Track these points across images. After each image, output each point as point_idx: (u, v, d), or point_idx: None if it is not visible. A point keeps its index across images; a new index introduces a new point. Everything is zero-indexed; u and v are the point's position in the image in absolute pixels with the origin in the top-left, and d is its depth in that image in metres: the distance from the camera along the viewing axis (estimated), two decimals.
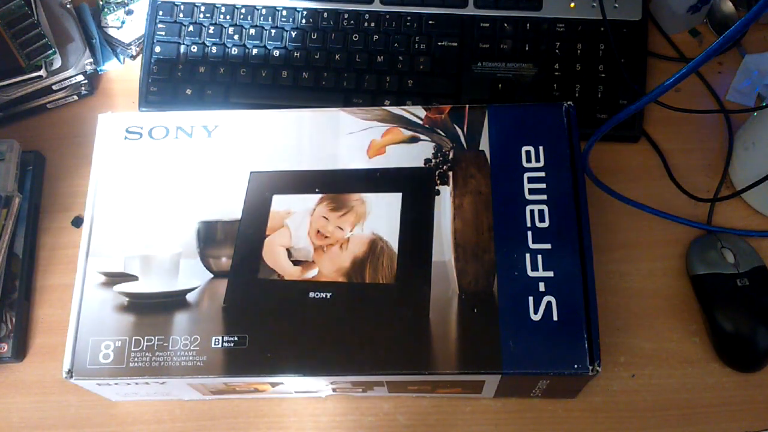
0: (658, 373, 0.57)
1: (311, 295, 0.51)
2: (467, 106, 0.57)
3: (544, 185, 0.53)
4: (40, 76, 0.65)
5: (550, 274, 0.51)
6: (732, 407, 0.56)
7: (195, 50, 0.68)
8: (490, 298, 0.50)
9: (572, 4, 0.68)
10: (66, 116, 0.70)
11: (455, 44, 0.67)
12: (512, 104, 0.57)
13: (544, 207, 0.52)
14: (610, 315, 0.59)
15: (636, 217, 0.62)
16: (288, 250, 0.53)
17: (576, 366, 0.48)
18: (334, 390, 0.55)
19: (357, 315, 0.50)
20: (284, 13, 0.69)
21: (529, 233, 0.52)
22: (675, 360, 0.58)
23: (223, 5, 0.69)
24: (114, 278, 0.53)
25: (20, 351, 0.60)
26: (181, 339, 0.50)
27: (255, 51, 0.68)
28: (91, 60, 0.68)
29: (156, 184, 0.55)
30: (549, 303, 0.50)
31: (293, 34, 0.68)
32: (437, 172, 0.55)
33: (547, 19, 0.67)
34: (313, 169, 0.55)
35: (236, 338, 0.50)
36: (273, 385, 0.53)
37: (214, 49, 0.68)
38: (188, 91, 0.67)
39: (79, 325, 0.51)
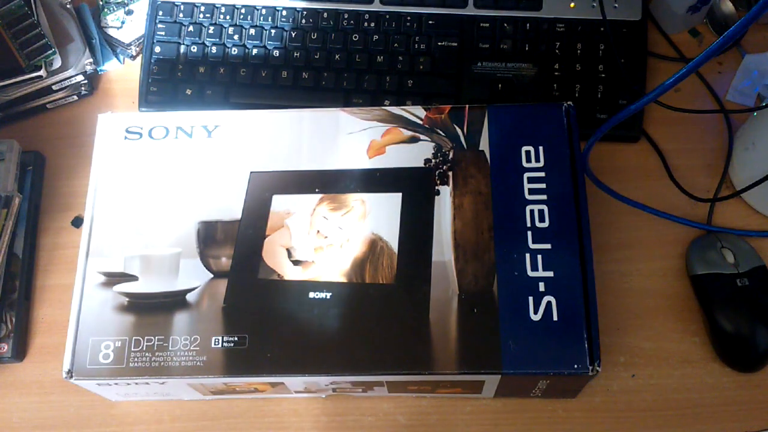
0: (658, 373, 0.57)
1: (311, 295, 0.51)
2: (467, 106, 0.57)
3: (544, 185, 0.53)
4: (40, 76, 0.65)
5: (550, 274, 0.51)
6: (732, 407, 0.56)
7: (195, 50, 0.68)
8: (490, 298, 0.50)
9: (572, 4, 0.68)
10: (66, 116, 0.70)
11: (455, 44, 0.67)
12: (512, 104, 0.57)
13: (544, 207, 0.52)
14: (610, 315, 0.59)
15: (636, 217, 0.62)
16: (288, 250, 0.53)
17: (576, 366, 0.48)
18: (334, 390, 0.55)
19: (357, 315, 0.50)
20: (284, 13, 0.69)
21: (529, 233, 0.52)
22: (675, 360, 0.58)
23: (223, 5, 0.69)
24: (114, 278, 0.53)
25: (20, 351, 0.60)
26: (181, 339, 0.50)
27: (255, 51, 0.68)
28: (91, 60, 0.68)
29: (156, 184, 0.55)
30: (549, 303, 0.50)
31: (293, 34, 0.68)
32: (437, 172, 0.55)
33: (547, 19, 0.67)
34: (313, 169, 0.55)
35: (236, 338, 0.50)
36: (273, 385, 0.53)
37: (214, 49, 0.68)
38: (188, 91, 0.67)
39: (79, 325, 0.51)
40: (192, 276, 0.52)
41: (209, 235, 0.54)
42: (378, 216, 0.53)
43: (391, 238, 0.53)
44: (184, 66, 0.68)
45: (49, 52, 0.66)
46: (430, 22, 0.68)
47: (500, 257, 0.51)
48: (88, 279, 0.53)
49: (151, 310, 0.51)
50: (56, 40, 0.67)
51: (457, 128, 0.56)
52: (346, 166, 0.55)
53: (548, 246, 0.51)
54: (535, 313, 0.50)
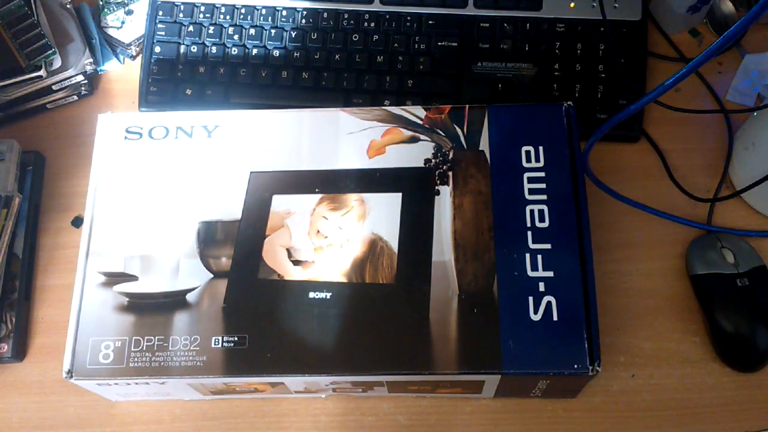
0: (658, 373, 0.57)
1: (311, 295, 0.51)
2: (467, 106, 0.57)
3: (544, 185, 0.53)
4: (40, 76, 0.65)
5: (550, 274, 0.51)
6: (732, 407, 0.56)
7: (195, 50, 0.68)
8: (490, 298, 0.50)
9: (572, 4, 0.68)
10: (66, 116, 0.70)
11: (455, 44, 0.67)
12: (512, 104, 0.57)
13: (544, 207, 0.52)
14: (610, 315, 0.59)
15: (636, 217, 0.62)
16: (288, 250, 0.53)
17: (576, 366, 0.48)
18: (334, 390, 0.55)
19: (357, 315, 0.50)
20: (284, 13, 0.69)
21: (529, 233, 0.52)
22: (675, 360, 0.58)
23: (223, 5, 0.69)
24: (114, 278, 0.53)
25: (20, 351, 0.60)
26: (181, 339, 0.50)
27: (255, 51, 0.68)
28: (91, 60, 0.68)
29: (156, 184, 0.55)
30: (549, 303, 0.50)
31: (293, 34, 0.68)
32: (437, 172, 0.55)
33: (547, 19, 0.67)
34: (312, 169, 0.55)
35: (236, 338, 0.50)
36: (273, 385, 0.53)
37: (214, 49, 0.68)
38: (188, 91, 0.67)
39: (79, 325, 0.51)
40: (192, 276, 0.52)
41: (209, 235, 0.54)
42: (378, 216, 0.53)
43: (391, 238, 0.53)
44: (184, 66, 0.68)
45: (49, 52, 0.66)
46: (430, 22, 0.68)
47: (500, 257, 0.51)
48: (88, 279, 0.53)
49: (151, 310, 0.51)
50: (56, 40, 0.67)
51: (457, 128, 0.56)
52: (346, 166, 0.55)
53: (548, 246, 0.51)
54: (535, 313, 0.50)
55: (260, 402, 0.58)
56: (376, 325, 0.50)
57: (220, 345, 0.50)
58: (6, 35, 0.65)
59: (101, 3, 0.73)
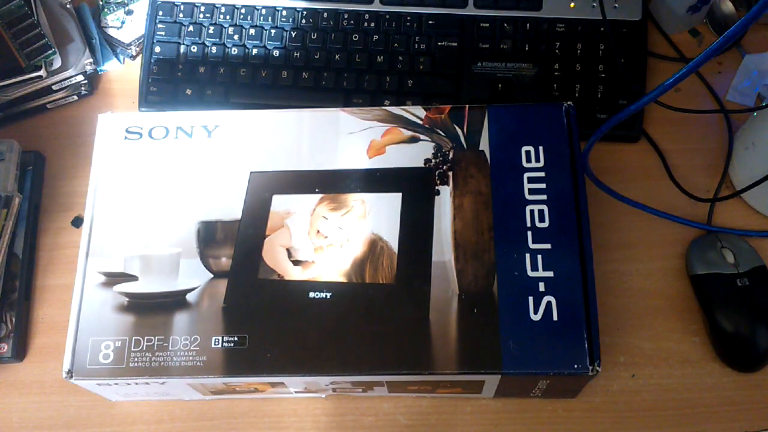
0: (657, 373, 0.57)
1: (311, 295, 0.51)
2: (467, 106, 0.57)
3: (544, 185, 0.53)
4: (40, 76, 0.65)
5: (550, 274, 0.51)
6: (732, 407, 0.56)
7: (195, 50, 0.68)
8: (490, 298, 0.50)
9: (572, 4, 0.68)
10: (66, 116, 0.70)
11: (455, 44, 0.67)
12: (512, 104, 0.57)
13: (544, 207, 0.52)
14: (610, 315, 0.59)
15: (636, 217, 0.62)
16: (288, 250, 0.53)
17: (576, 366, 0.48)
18: (334, 390, 0.55)
19: (357, 315, 0.50)
20: (284, 13, 0.69)
21: (529, 233, 0.52)
22: (675, 360, 0.58)
23: (223, 5, 0.69)
24: (114, 278, 0.53)
25: (20, 351, 0.60)
26: (181, 339, 0.50)
27: (255, 51, 0.68)
28: (91, 60, 0.68)
29: (156, 184, 0.55)
30: (549, 303, 0.50)
31: (293, 34, 0.68)
32: (437, 172, 0.55)
33: (547, 19, 0.67)
34: (313, 169, 0.55)
35: (236, 338, 0.50)
36: (273, 385, 0.53)
37: (214, 49, 0.68)
38: (188, 91, 0.67)
39: (79, 325, 0.51)
40: (192, 276, 0.52)
41: (209, 235, 0.54)
42: (378, 216, 0.53)
43: (391, 238, 0.53)
44: (184, 66, 0.68)
45: (49, 52, 0.66)
46: (430, 22, 0.68)
47: (500, 257, 0.51)
48: (88, 279, 0.53)
49: (151, 310, 0.51)
50: (56, 40, 0.67)
51: (457, 128, 0.56)
52: (346, 166, 0.55)
53: (548, 246, 0.51)
54: (535, 313, 0.50)
55: (260, 402, 0.58)
56: (376, 325, 0.50)
57: (220, 345, 0.50)
58: (6, 35, 0.65)
59: (101, 3, 0.73)
